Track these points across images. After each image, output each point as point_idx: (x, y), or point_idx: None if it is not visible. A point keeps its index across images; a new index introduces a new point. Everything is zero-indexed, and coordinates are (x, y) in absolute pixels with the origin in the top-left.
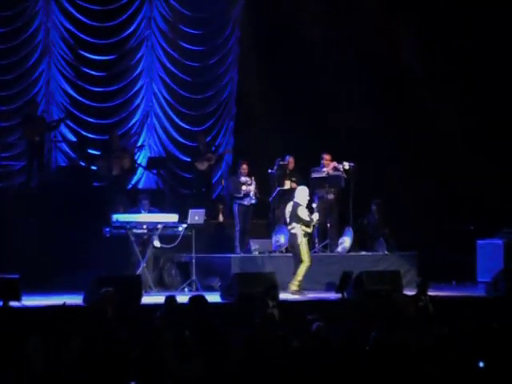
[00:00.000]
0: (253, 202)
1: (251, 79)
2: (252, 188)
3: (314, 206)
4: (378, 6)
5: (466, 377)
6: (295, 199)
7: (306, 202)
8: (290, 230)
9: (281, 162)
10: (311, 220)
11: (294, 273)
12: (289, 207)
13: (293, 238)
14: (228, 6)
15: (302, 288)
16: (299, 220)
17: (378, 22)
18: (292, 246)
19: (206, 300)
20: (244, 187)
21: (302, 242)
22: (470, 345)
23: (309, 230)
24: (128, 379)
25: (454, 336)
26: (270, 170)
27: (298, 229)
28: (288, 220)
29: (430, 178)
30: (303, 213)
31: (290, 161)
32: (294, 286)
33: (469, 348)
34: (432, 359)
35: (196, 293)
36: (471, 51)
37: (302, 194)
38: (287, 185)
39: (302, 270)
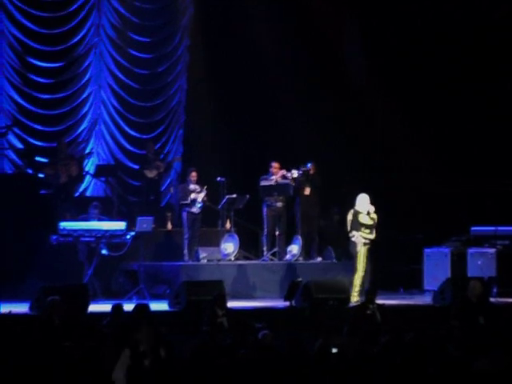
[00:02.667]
0: (199, 205)
1: (200, 87)
2: (202, 195)
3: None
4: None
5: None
6: (356, 207)
7: (367, 209)
8: (350, 237)
9: (303, 169)
10: (375, 224)
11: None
12: (349, 216)
13: (352, 245)
14: (177, 14)
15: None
16: (360, 226)
17: (322, 22)
18: (352, 255)
19: (149, 309)
20: (193, 195)
21: (361, 251)
22: (416, 352)
23: (371, 237)
24: None
25: (399, 344)
26: (218, 178)
27: (358, 237)
28: (349, 228)
29: (379, 185)
30: (364, 218)
31: (312, 167)
32: (354, 298)
33: (414, 356)
34: (379, 366)
35: (143, 301)
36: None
37: (362, 201)
38: (307, 191)
39: (357, 279)
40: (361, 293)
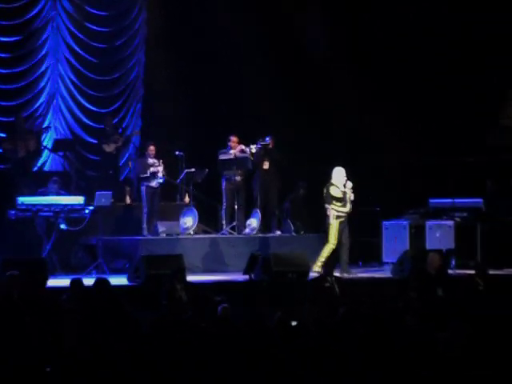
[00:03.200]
0: (160, 181)
1: (158, 61)
2: (160, 169)
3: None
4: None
5: (371, 355)
6: (331, 180)
7: (343, 182)
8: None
9: (261, 143)
10: (345, 197)
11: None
12: (325, 189)
13: (327, 218)
14: None
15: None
16: (332, 199)
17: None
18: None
19: (109, 283)
20: (152, 169)
21: (333, 224)
22: (374, 324)
23: (344, 210)
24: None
25: (357, 315)
26: (177, 152)
27: (330, 210)
28: (324, 201)
29: (335, 158)
30: (335, 191)
31: (271, 141)
32: (316, 267)
33: (372, 327)
34: (339, 338)
35: (102, 275)
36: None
37: (337, 174)
38: (266, 165)
39: (325, 250)
40: (325, 265)
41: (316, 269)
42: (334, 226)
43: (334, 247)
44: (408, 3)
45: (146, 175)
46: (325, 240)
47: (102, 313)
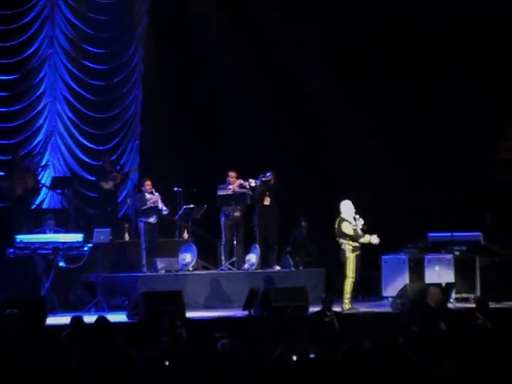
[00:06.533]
0: (165, 213)
1: (156, 97)
2: (159, 202)
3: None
4: (279, 19)
5: None
6: (341, 214)
7: (352, 215)
8: (340, 245)
9: (263, 178)
10: (356, 234)
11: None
12: (336, 223)
13: (342, 253)
14: (132, 25)
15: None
16: (345, 235)
17: (279, 35)
18: (342, 262)
19: (109, 322)
20: (150, 204)
21: (350, 258)
22: (375, 359)
23: (357, 244)
24: None
25: (358, 351)
26: (175, 188)
27: (345, 244)
28: (336, 236)
29: (331, 192)
30: (347, 228)
31: (272, 176)
32: (346, 305)
33: (373, 363)
34: (338, 374)
35: (101, 313)
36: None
37: (345, 208)
38: (267, 201)
39: (347, 286)
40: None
41: (346, 307)
42: (351, 260)
43: (353, 280)
44: (403, 44)
45: (146, 207)
46: (343, 275)
47: (101, 350)
